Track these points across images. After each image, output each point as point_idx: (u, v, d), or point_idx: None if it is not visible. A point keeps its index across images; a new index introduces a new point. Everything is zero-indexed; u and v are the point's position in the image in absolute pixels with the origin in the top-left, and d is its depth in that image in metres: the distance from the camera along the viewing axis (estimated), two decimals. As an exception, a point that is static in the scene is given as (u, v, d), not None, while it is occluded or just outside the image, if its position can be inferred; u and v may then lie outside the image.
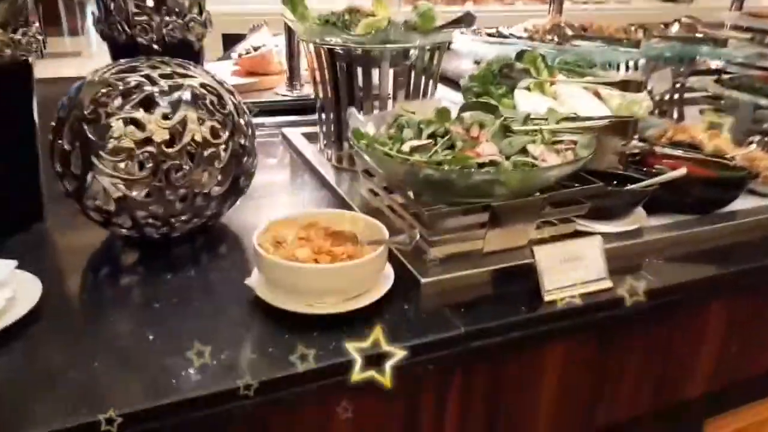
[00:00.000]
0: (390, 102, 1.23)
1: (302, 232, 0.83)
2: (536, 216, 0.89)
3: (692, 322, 0.98)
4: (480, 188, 0.83)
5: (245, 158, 0.93)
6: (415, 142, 0.89)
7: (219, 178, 0.89)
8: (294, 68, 1.65)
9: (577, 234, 0.96)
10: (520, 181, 0.83)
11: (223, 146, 0.89)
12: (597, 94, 1.26)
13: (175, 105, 0.85)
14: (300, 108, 1.58)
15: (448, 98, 1.60)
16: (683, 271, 0.94)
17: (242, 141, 0.93)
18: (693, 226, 1.03)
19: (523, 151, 0.87)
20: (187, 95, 0.86)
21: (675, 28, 1.73)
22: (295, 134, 1.43)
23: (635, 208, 1.04)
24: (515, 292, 0.84)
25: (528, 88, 1.24)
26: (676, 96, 1.70)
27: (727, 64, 1.93)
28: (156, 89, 0.85)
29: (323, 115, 1.29)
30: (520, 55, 1.30)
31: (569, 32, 1.46)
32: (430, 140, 0.89)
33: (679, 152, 1.17)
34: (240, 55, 1.69)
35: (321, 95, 1.28)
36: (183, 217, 0.88)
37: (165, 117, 0.84)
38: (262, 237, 0.80)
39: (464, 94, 1.30)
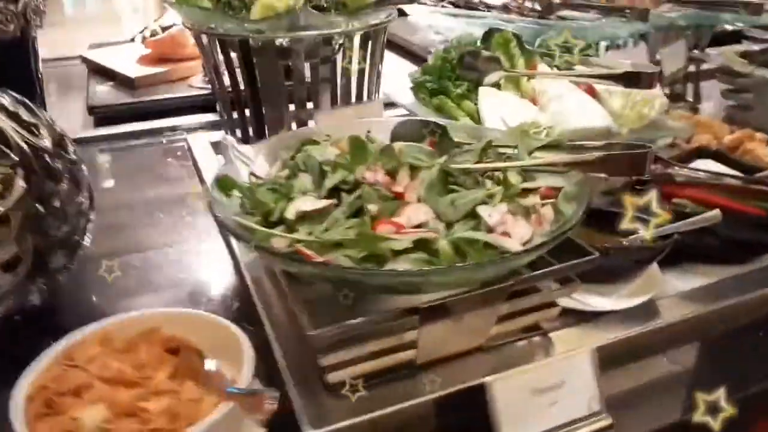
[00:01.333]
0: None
1: (122, 358, 0.52)
2: (496, 310, 0.58)
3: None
4: (402, 287, 0.51)
5: (55, 224, 0.62)
6: (308, 204, 0.57)
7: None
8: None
9: (564, 314, 0.65)
10: (466, 280, 0.51)
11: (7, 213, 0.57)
12: (591, 91, 0.93)
13: None
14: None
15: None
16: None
17: (52, 200, 0.61)
18: (730, 291, 0.72)
19: (473, 214, 0.56)
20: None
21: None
22: (201, 144, 1.10)
23: (647, 267, 0.73)
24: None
25: (498, 85, 0.91)
26: (692, 70, 1.36)
27: (750, 27, 1.59)
28: None
29: (226, 119, 0.97)
30: (487, 37, 0.97)
31: None
32: (332, 200, 0.57)
33: (705, 174, 0.85)
34: (145, 38, 1.34)
35: (219, 96, 0.96)
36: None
37: None
38: (45, 376, 0.49)
39: (415, 93, 0.97)
